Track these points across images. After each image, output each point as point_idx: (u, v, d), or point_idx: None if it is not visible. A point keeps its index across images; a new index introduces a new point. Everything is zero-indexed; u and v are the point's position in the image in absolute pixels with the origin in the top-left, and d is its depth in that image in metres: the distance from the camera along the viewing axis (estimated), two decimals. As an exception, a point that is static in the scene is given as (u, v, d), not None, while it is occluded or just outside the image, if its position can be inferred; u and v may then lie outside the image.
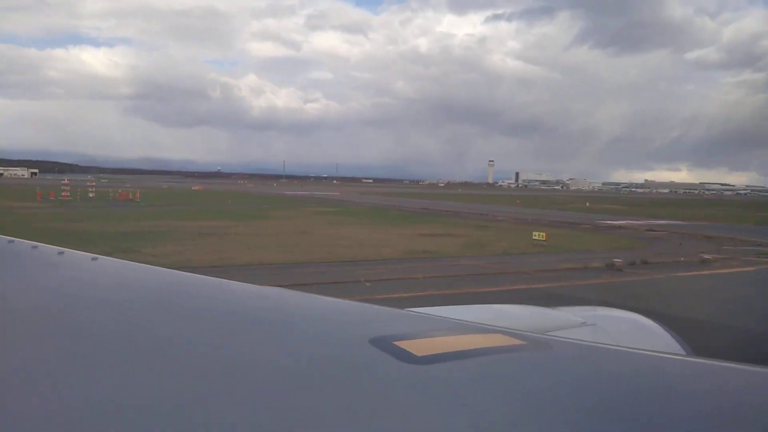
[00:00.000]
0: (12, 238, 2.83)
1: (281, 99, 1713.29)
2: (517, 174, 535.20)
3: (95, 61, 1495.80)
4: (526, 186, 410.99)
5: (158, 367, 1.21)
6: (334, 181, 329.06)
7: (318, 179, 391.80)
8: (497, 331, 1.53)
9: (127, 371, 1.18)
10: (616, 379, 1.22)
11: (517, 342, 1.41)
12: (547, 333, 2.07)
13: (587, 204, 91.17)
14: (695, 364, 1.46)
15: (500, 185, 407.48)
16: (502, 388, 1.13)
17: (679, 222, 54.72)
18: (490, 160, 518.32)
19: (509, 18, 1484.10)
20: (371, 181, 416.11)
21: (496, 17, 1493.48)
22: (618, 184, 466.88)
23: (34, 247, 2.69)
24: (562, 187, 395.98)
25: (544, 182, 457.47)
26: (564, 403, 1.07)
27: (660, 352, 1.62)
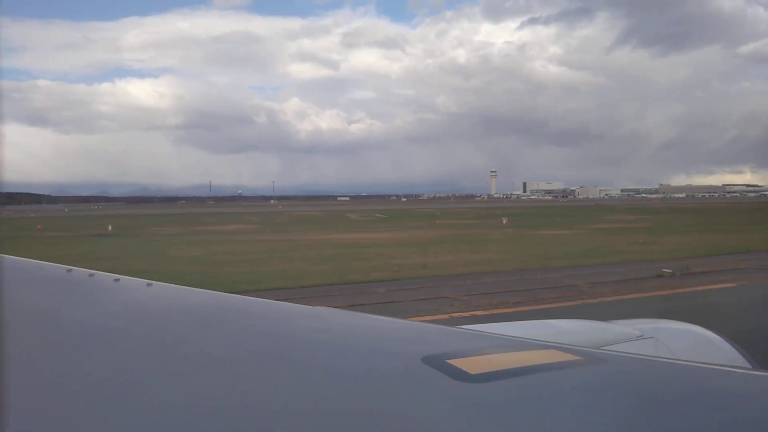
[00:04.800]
0: (71, 267, 2.98)
1: (325, 121, 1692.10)
2: (524, 184, 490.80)
3: (142, 93, 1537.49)
4: (510, 197, 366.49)
5: (216, 386, 1.24)
6: (272, 201, 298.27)
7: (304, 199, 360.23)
8: (552, 347, 1.49)
9: (185, 390, 1.21)
10: (679, 395, 1.15)
11: (573, 358, 1.36)
12: (604, 347, 2.00)
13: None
14: (762, 378, 1.35)
15: (481, 197, 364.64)
16: (560, 406, 1.09)
17: None
18: (491, 171, 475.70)
19: (546, 22, 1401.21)
20: (348, 199, 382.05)
21: (533, 21, 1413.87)
22: (637, 190, 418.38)
23: (91, 275, 2.80)
24: (564, 197, 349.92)
25: (549, 192, 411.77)
26: (625, 422, 1.02)
27: (724, 366, 1.56)
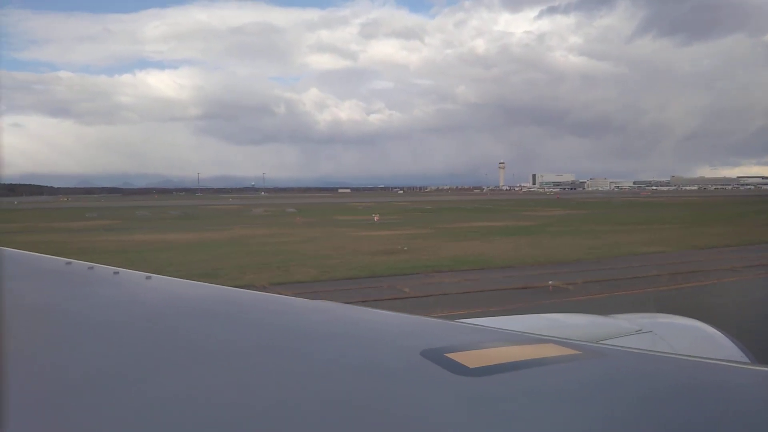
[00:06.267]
0: (70, 260, 3.02)
1: (344, 111, 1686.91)
2: (533, 176, 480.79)
3: (162, 84, 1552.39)
4: (511, 189, 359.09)
5: (215, 378, 1.23)
6: (262, 193, 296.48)
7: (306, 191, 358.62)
8: (550, 341, 1.49)
9: (184, 383, 1.20)
10: (677, 390, 1.15)
11: (571, 352, 1.36)
12: (602, 341, 2.01)
13: None
14: (761, 372, 1.36)
15: (481, 190, 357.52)
16: (558, 400, 1.10)
17: None
18: (500, 162, 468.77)
19: (565, 11, 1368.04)
20: (349, 191, 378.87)
21: (552, 10, 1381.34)
22: (649, 182, 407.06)
23: (90, 267, 2.83)
24: (573, 189, 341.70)
25: (558, 184, 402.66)
26: (623, 416, 1.03)
27: (722, 360, 1.55)
